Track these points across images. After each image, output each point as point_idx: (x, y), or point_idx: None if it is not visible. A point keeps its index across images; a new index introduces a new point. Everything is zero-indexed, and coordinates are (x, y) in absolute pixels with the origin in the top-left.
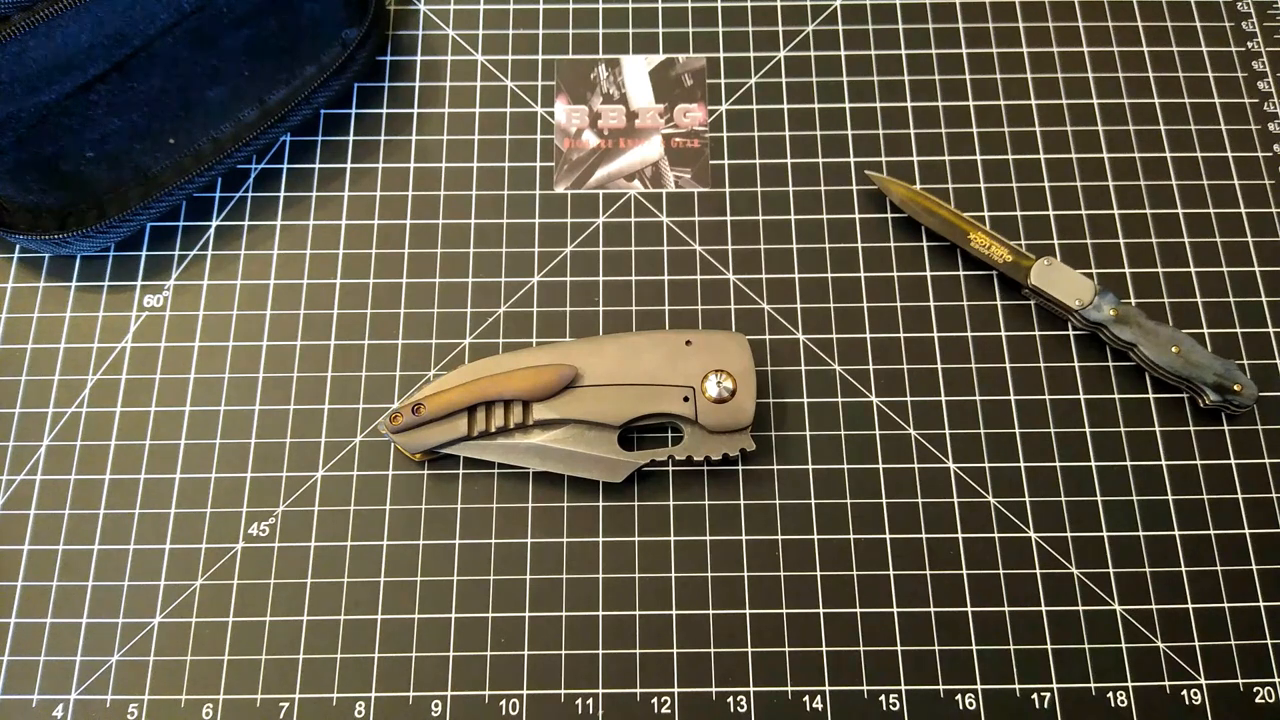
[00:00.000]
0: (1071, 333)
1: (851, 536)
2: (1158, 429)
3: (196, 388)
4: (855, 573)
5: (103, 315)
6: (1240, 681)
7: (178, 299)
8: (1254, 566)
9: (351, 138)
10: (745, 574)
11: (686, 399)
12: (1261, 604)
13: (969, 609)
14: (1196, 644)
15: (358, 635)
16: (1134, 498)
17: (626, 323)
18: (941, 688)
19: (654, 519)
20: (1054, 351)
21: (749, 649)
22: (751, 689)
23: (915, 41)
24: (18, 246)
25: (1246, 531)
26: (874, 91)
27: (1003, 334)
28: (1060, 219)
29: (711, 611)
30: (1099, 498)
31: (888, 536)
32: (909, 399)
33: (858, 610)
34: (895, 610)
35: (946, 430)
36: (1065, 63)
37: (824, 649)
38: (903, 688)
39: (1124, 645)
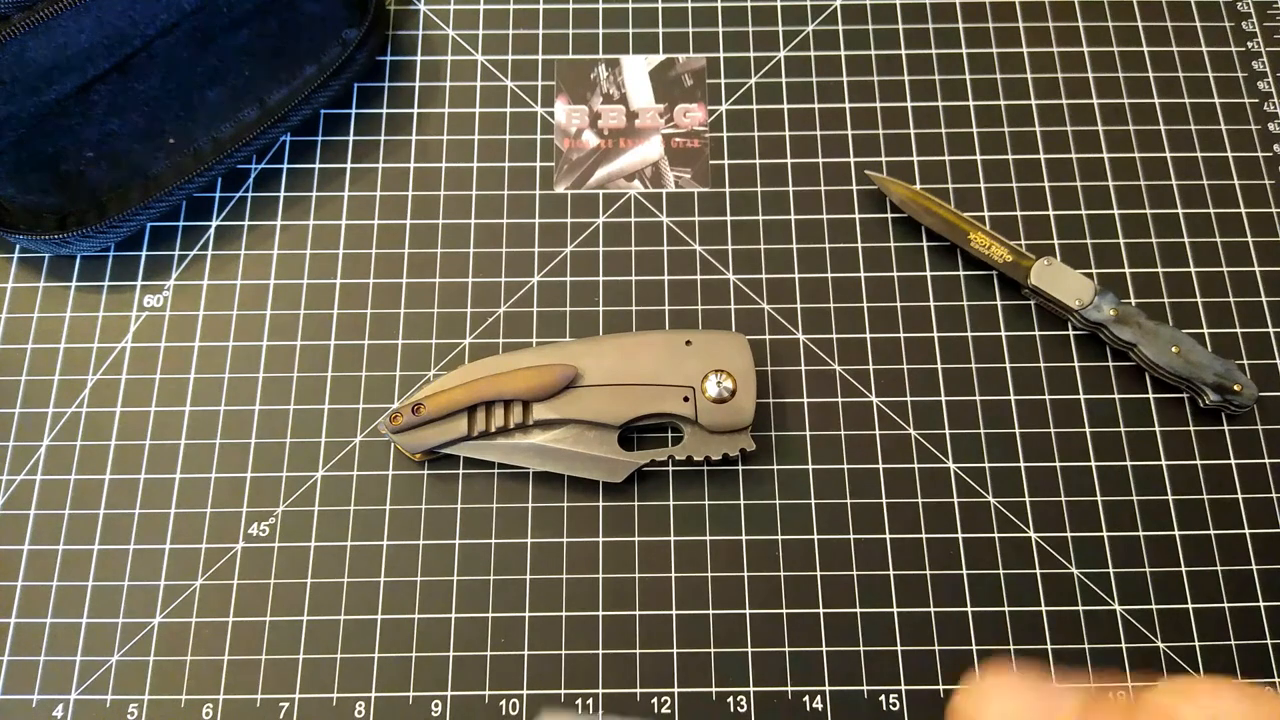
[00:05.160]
0: (1071, 333)
1: (851, 536)
2: (1158, 429)
3: (196, 388)
4: (855, 573)
5: (103, 315)
6: (1240, 681)
7: (178, 299)
8: (1254, 566)
9: (351, 138)
10: (745, 574)
11: (686, 399)
12: (1261, 604)
13: (969, 609)
14: (1197, 644)
15: (358, 635)
16: (1134, 498)
17: (626, 323)
18: (941, 688)
19: (654, 519)
20: (1054, 351)
21: (749, 649)
22: (751, 689)
23: (915, 41)
24: (18, 246)
25: (1246, 531)
26: (874, 91)
27: (1003, 334)
28: (1060, 219)
29: (711, 611)
30: (1099, 498)
31: (888, 536)
32: (909, 399)
33: (858, 610)
34: (895, 610)
35: (946, 430)
36: (1065, 63)
37: (824, 649)
38: (903, 688)
39: (1124, 645)
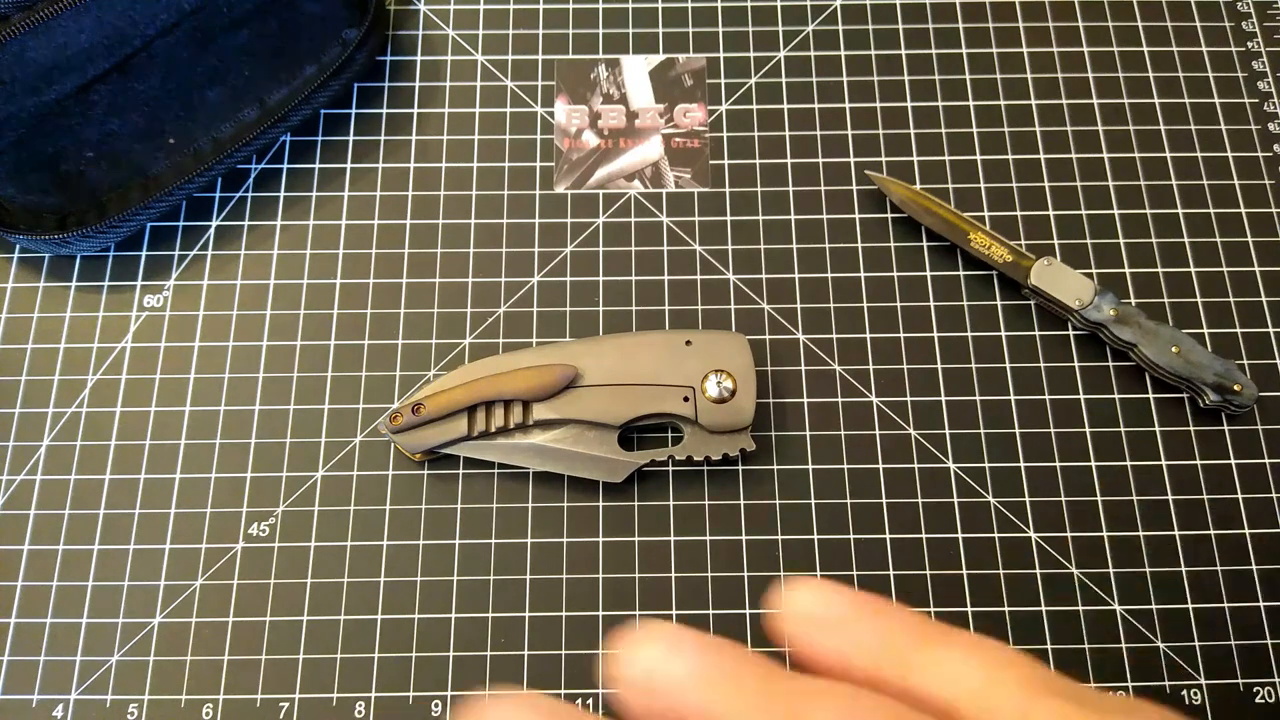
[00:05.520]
0: (1071, 333)
1: (851, 536)
2: (1158, 429)
3: (196, 388)
4: (855, 573)
5: (103, 315)
6: (1240, 681)
7: (178, 299)
8: (1254, 566)
9: (351, 138)
10: (745, 574)
11: (686, 399)
12: (1261, 604)
13: (969, 609)
14: (1196, 644)
15: (358, 635)
16: (1134, 498)
17: (626, 323)
18: None
19: (654, 519)
20: (1054, 351)
21: (749, 649)
22: None
23: (915, 41)
24: (18, 246)
25: (1246, 531)
26: (874, 91)
27: (1003, 334)
28: (1060, 219)
29: (711, 611)
30: (1099, 498)
31: (888, 536)
32: (909, 399)
33: None
34: None
35: (946, 430)
36: (1065, 63)
37: None
38: None
39: (1124, 645)
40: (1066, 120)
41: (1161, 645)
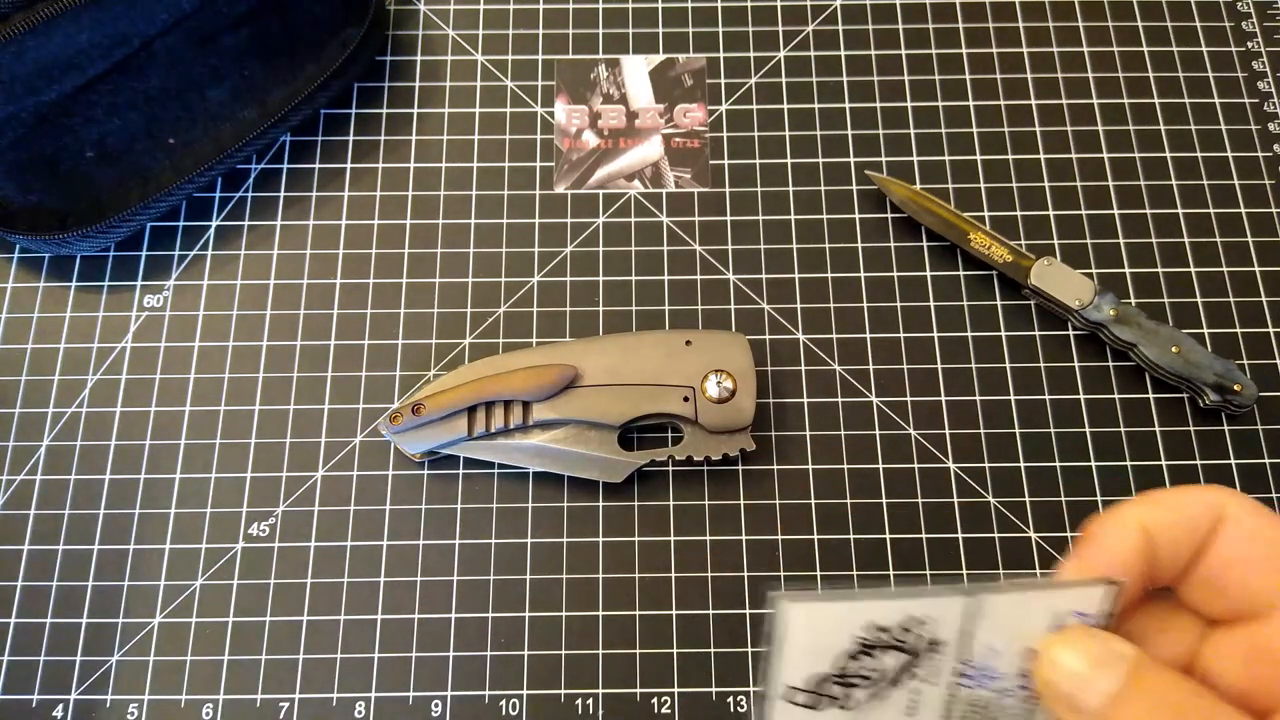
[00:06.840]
0: (1071, 333)
1: (851, 536)
2: (1158, 429)
3: (196, 388)
4: (855, 572)
5: (103, 315)
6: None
7: (178, 299)
8: None
9: (351, 138)
10: (745, 574)
11: (686, 399)
12: None
13: None
14: None
15: (358, 635)
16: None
17: (626, 323)
18: None
19: (654, 519)
20: (1054, 351)
21: (749, 649)
22: (751, 689)
23: (915, 41)
24: (18, 246)
25: None
26: (874, 91)
27: (1003, 334)
28: (1060, 219)
29: (711, 611)
30: (1099, 498)
31: (888, 536)
32: (909, 399)
33: None
34: None
35: (946, 430)
36: (1065, 63)
37: None
38: None
39: None
40: (1066, 120)
41: None
